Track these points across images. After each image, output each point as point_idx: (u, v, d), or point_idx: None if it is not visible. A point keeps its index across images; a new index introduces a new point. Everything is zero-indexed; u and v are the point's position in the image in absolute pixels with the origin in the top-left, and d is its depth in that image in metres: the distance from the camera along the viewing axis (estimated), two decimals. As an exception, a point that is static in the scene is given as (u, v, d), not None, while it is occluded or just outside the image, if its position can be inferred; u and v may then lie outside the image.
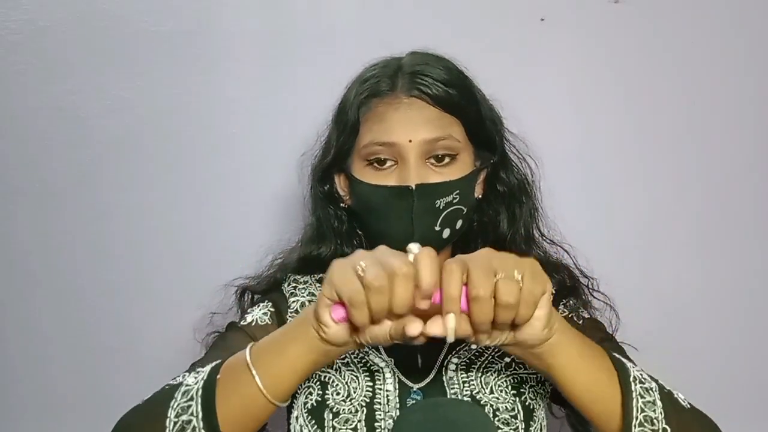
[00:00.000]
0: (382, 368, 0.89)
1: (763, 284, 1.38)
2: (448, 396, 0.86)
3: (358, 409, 0.86)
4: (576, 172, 1.32)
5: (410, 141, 0.86)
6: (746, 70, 1.34)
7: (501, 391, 0.88)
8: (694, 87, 1.33)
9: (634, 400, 0.71)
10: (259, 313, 0.92)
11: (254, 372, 0.71)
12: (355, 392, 0.87)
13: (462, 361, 0.89)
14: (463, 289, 0.66)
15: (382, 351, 0.90)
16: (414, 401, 0.86)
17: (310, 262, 0.98)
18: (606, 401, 0.72)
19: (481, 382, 0.88)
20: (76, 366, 1.37)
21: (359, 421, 0.85)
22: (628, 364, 0.75)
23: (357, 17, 1.30)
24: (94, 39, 1.27)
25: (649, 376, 0.75)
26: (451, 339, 0.66)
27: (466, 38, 1.28)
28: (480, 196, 0.96)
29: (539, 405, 0.90)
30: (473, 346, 0.90)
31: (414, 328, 0.65)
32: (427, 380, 0.88)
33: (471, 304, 0.64)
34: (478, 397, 0.87)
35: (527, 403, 0.88)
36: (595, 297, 0.99)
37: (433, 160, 0.88)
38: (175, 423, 0.71)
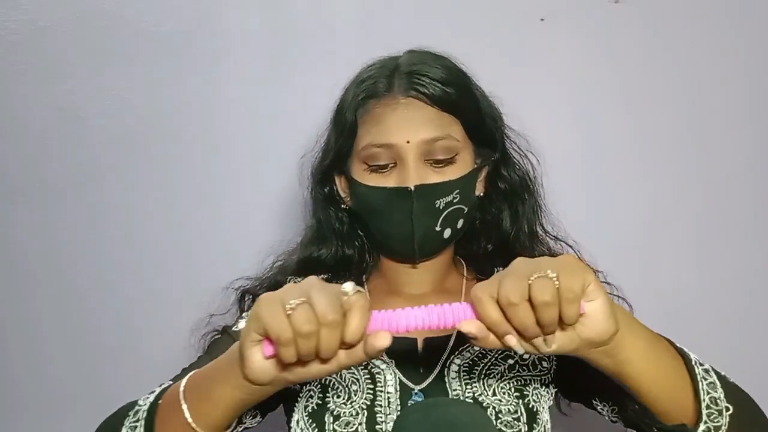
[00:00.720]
0: (383, 370, 0.88)
1: (763, 283, 1.39)
2: (450, 398, 0.86)
3: (359, 411, 0.85)
4: (577, 171, 1.32)
5: (408, 142, 0.86)
6: (746, 70, 1.34)
7: (504, 393, 0.87)
8: (694, 86, 1.33)
9: (700, 383, 0.71)
10: None
11: (184, 405, 0.71)
12: (355, 395, 0.87)
13: (464, 363, 0.89)
14: (467, 306, 0.65)
15: (383, 353, 0.90)
16: (414, 403, 0.85)
17: (311, 263, 0.98)
18: (677, 389, 0.72)
19: (483, 384, 0.87)
20: (75, 366, 1.37)
21: (360, 423, 0.84)
22: (684, 348, 0.75)
23: (357, 17, 1.30)
24: (94, 39, 1.27)
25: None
26: (521, 351, 0.66)
27: (466, 38, 1.27)
28: (482, 194, 0.96)
29: (543, 407, 0.89)
30: (476, 348, 0.90)
31: (383, 339, 0.62)
32: (429, 382, 0.88)
33: (506, 312, 0.63)
34: (480, 399, 0.86)
35: (530, 406, 0.87)
36: None
37: (432, 161, 0.87)
38: None
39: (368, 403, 0.86)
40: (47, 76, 1.28)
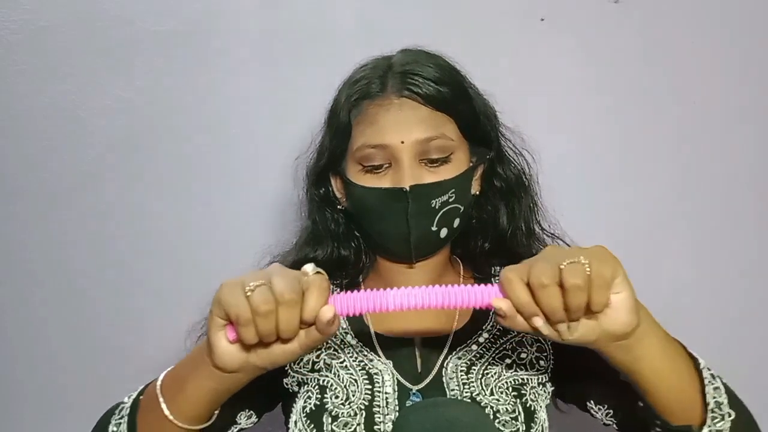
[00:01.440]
0: (381, 371, 0.88)
1: (763, 283, 1.38)
2: (448, 397, 0.86)
3: (357, 412, 0.85)
4: (576, 171, 1.32)
5: (402, 142, 0.85)
6: (746, 70, 1.33)
7: (501, 393, 0.87)
8: (694, 86, 1.33)
9: (707, 387, 0.73)
10: None
11: (161, 399, 0.73)
12: (354, 395, 0.87)
13: (462, 363, 0.89)
14: (496, 288, 0.67)
15: (381, 353, 0.90)
16: (413, 403, 0.86)
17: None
18: (686, 390, 0.73)
19: (481, 383, 0.87)
20: (75, 365, 1.37)
21: (358, 424, 0.84)
22: (693, 352, 0.76)
23: (357, 17, 1.30)
24: (94, 39, 1.27)
25: None
26: (547, 332, 0.67)
27: (466, 38, 1.27)
28: (478, 193, 0.96)
29: (540, 406, 0.89)
30: (473, 347, 0.90)
31: (327, 312, 0.64)
32: (427, 382, 0.88)
33: (537, 294, 0.64)
34: (478, 398, 0.86)
35: (528, 405, 0.87)
36: None
37: (426, 160, 0.87)
38: None
39: (366, 403, 0.86)
40: (47, 76, 1.28)
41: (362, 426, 0.84)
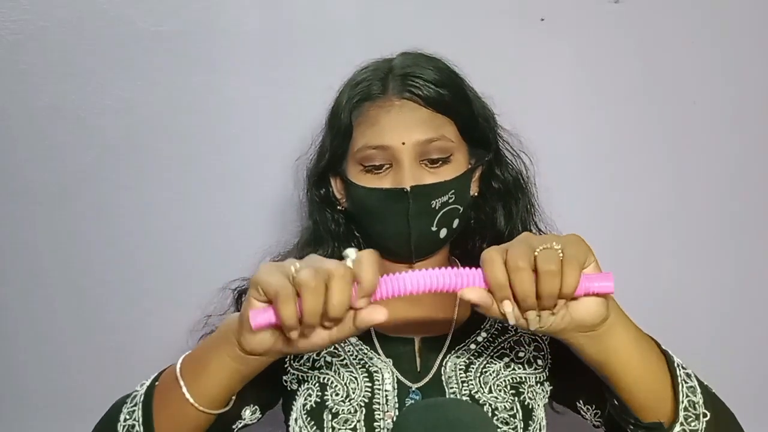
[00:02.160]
0: (380, 368, 0.89)
1: (763, 282, 1.38)
2: (447, 396, 0.86)
3: (357, 409, 0.86)
4: (575, 172, 1.32)
5: (403, 143, 0.87)
6: (746, 70, 1.34)
7: (500, 391, 0.88)
8: (694, 87, 1.33)
9: (680, 385, 0.73)
10: None
11: (181, 382, 0.73)
12: (354, 393, 0.87)
13: (461, 361, 0.90)
14: (478, 273, 0.66)
15: (381, 351, 0.91)
16: (413, 401, 0.86)
17: None
18: (656, 386, 0.73)
19: (479, 381, 0.88)
20: (75, 365, 1.37)
21: (358, 421, 0.85)
22: (669, 351, 0.77)
23: (357, 17, 1.30)
24: (94, 39, 1.27)
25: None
26: (513, 321, 0.67)
27: (466, 38, 1.28)
28: (476, 194, 0.97)
29: (538, 405, 0.90)
30: (472, 346, 0.91)
31: (380, 313, 0.64)
32: (426, 380, 0.88)
33: (511, 277, 0.64)
34: (476, 396, 0.87)
35: (526, 403, 0.88)
36: None
37: (427, 162, 0.88)
38: (124, 426, 0.75)
39: (366, 400, 0.87)
40: (47, 76, 1.28)
41: (362, 423, 0.85)
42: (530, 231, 0.99)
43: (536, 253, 0.65)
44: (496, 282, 0.65)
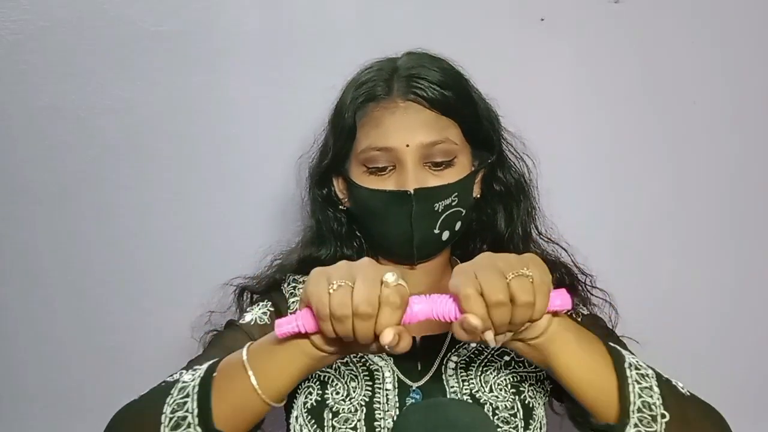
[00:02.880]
0: (381, 367, 0.89)
1: (762, 282, 1.38)
2: (448, 395, 0.86)
3: (358, 408, 0.86)
4: (575, 172, 1.32)
5: (407, 146, 0.86)
6: (746, 69, 1.34)
7: (500, 390, 0.88)
8: (694, 86, 1.33)
9: (631, 386, 0.71)
10: (258, 313, 0.93)
11: (250, 372, 0.71)
12: (354, 391, 0.87)
13: (461, 360, 0.90)
14: (449, 299, 0.67)
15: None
16: (413, 400, 0.86)
17: (311, 263, 0.97)
18: (603, 387, 0.72)
19: (480, 380, 0.88)
20: (77, 365, 1.37)
21: (359, 420, 0.85)
22: (624, 352, 0.75)
23: (357, 17, 1.30)
24: (94, 39, 1.28)
25: (646, 365, 0.75)
26: (493, 344, 0.67)
27: (466, 38, 1.28)
28: (478, 196, 0.96)
29: (539, 403, 0.90)
30: (472, 345, 0.91)
31: (385, 337, 0.64)
32: (426, 379, 0.88)
33: (491, 311, 0.64)
34: (477, 395, 0.87)
35: (526, 402, 0.88)
36: (593, 294, 0.99)
37: (430, 164, 0.88)
38: (171, 419, 0.71)
39: (367, 399, 0.87)
40: (47, 76, 1.28)
41: (362, 422, 0.85)
42: (530, 234, 0.99)
43: (509, 281, 0.64)
44: (480, 316, 0.64)
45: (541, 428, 0.89)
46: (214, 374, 0.73)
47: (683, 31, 1.32)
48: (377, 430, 0.85)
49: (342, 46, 1.27)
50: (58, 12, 1.26)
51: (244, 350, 0.74)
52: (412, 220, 0.87)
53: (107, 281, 1.34)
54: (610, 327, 0.96)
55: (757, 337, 1.39)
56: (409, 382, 0.88)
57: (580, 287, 0.98)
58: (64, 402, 1.37)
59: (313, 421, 0.86)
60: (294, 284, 0.98)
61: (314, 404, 0.87)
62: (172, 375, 0.78)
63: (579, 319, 0.92)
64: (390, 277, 0.65)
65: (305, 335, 0.69)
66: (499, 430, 0.85)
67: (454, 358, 0.90)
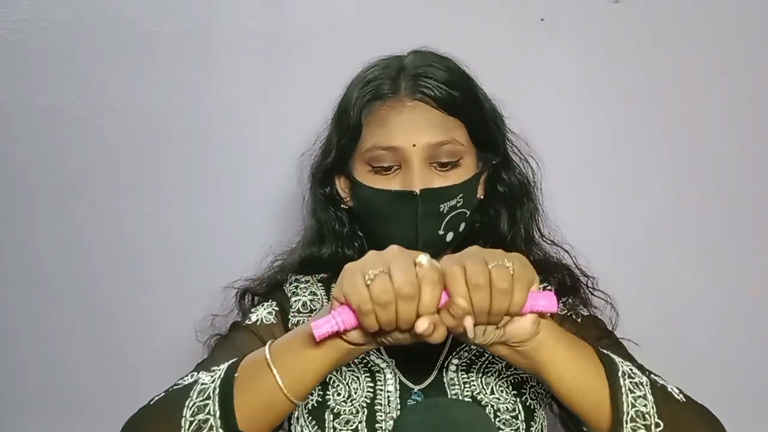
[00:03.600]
0: (383, 369, 0.89)
1: (762, 282, 1.39)
2: (449, 397, 0.86)
3: (359, 409, 0.86)
4: (576, 172, 1.31)
5: (414, 145, 0.86)
6: (746, 70, 1.34)
7: (502, 392, 0.87)
8: (694, 87, 1.33)
9: (624, 395, 0.71)
10: (264, 313, 0.92)
11: (274, 370, 0.71)
12: (356, 393, 0.87)
13: (462, 362, 0.89)
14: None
15: (383, 352, 0.90)
16: (415, 402, 0.86)
17: (312, 263, 0.98)
18: (595, 396, 0.72)
19: (481, 382, 0.88)
20: (77, 366, 1.37)
21: (360, 421, 0.85)
22: (617, 360, 0.74)
23: (357, 17, 1.30)
24: (94, 39, 1.27)
25: (640, 371, 0.74)
26: (472, 335, 0.67)
27: (466, 38, 1.27)
28: (482, 197, 0.96)
29: (540, 405, 0.89)
30: (473, 346, 0.90)
31: (420, 325, 0.65)
32: (428, 381, 0.88)
33: (471, 293, 0.65)
34: (478, 397, 0.86)
35: (528, 404, 0.88)
36: (595, 296, 0.99)
37: (436, 164, 0.87)
38: (191, 422, 0.70)
39: (368, 401, 0.86)
40: (47, 76, 1.28)
41: (364, 424, 0.85)
42: (533, 235, 0.99)
43: (490, 268, 0.65)
44: (462, 296, 0.65)
45: (542, 430, 0.89)
46: (236, 374, 0.72)
47: (683, 31, 1.32)
48: (378, 431, 0.85)
49: (342, 45, 1.27)
50: (58, 12, 1.26)
51: (267, 349, 0.73)
52: (418, 220, 0.86)
53: (107, 281, 1.34)
54: (610, 328, 0.96)
55: (757, 337, 1.39)
56: (410, 384, 0.88)
57: (582, 289, 0.98)
58: (64, 402, 1.37)
59: (314, 422, 0.86)
60: (296, 284, 0.98)
61: (315, 405, 0.87)
62: (183, 378, 0.77)
63: (579, 320, 0.92)
64: (423, 258, 0.66)
65: (340, 333, 0.68)
66: (500, 431, 0.84)
67: (456, 361, 0.89)
